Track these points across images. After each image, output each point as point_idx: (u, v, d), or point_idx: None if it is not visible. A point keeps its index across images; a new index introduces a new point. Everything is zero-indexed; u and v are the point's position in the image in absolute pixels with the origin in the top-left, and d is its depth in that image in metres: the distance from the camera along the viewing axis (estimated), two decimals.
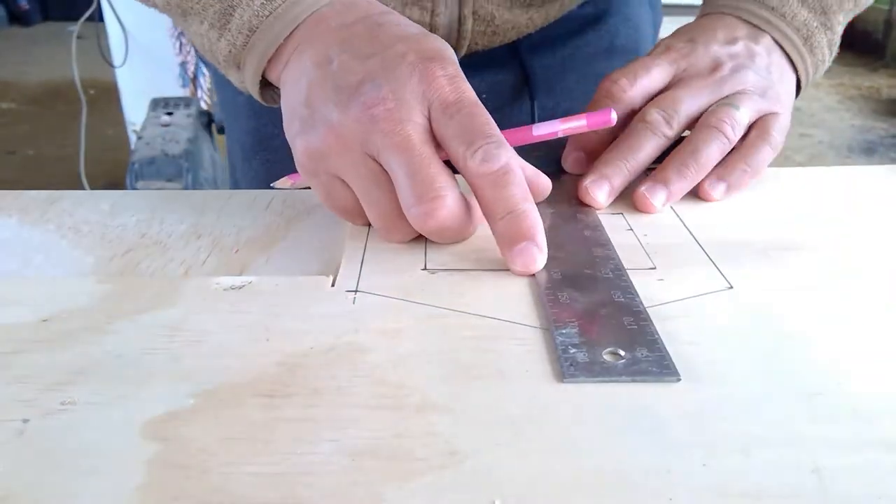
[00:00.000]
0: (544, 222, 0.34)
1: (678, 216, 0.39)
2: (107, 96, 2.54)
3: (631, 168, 0.41)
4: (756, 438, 0.23)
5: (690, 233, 0.37)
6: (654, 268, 0.34)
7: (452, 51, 0.36)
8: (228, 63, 0.40)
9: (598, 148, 0.43)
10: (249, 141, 0.62)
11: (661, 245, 0.36)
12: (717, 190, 0.41)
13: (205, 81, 2.11)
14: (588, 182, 0.40)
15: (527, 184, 0.34)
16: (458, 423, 0.24)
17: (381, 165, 0.34)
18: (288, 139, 0.37)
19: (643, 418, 0.24)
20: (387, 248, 0.36)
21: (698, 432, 0.24)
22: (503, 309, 0.31)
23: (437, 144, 0.34)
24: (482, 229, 0.37)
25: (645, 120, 0.41)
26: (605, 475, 0.22)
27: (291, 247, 0.38)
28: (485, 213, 0.34)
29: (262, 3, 0.38)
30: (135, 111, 2.18)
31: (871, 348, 0.28)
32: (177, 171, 1.58)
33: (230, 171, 0.70)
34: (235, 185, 0.67)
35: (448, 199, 0.33)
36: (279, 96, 0.40)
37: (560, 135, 0.39)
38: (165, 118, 1.75)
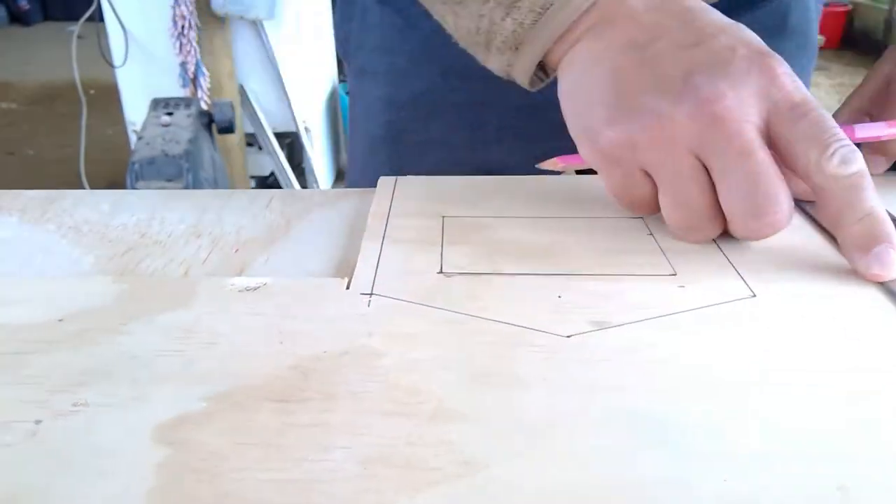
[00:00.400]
0: None
1: None
2: (107, 96, 2.56)
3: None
4: (778, 454, 0.23)
5: (713, 239, 0.37)
6: (675, 274, 0.33)
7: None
8: (506, 44, 0.38)
9: None
10: (380, 133, 0.62)
11: (682, 251, 0.36)
12: None
13: (205, 81, 2.12)
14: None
15: None
16: (474, 431, 0.24)
17: (702, 164, 0.33)
18: (583, 125, 0.36)
19: (663, 429, 0.24)
20: (402, 251, 0.36)
21: (717, 445, 0.23)
22: (521, 315, 0.30)
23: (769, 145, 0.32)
24: (503, 233, 0.37)
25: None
26: (624, 487, 0.21)
27: (291, 246, 0.38)
28: (835, 218, 0.32)
29: None
30: (135, 111, 2.20)
31: (882, 354, 0.27)
32: (177, 171, 1.59)
33: (349, 164, 0.69)
34: (355, 179, 0.66)
35: (786, 208, 0.32)
36: (538, 80, 0.40)
37: (883, 138, 0.38)
38: (165, 118, 1.76)
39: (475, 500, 0.21)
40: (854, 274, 0.33)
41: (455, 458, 0.22)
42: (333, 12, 0.70)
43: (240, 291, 0.32)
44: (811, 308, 0.31)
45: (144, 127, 1.77)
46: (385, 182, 0.44)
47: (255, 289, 0.32)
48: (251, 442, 0.23)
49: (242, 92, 2.31)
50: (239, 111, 2.27)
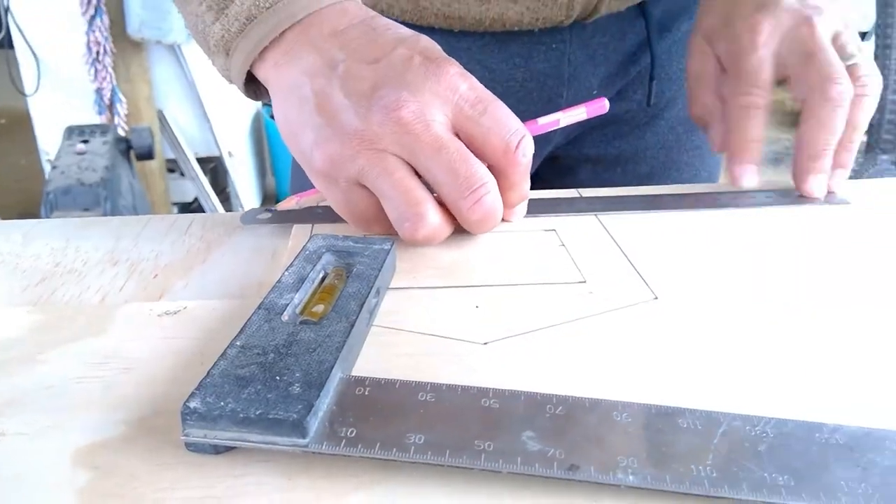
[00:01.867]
0: None
1: (608, 231, 0.41)
2: (19, 125, 2.47)
3: (833, 146, 0.45)
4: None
5: (619, 247, 0.39)
6: (584, 281, 0.35)
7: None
8: (218, 48, 0.40)
9: (760, 153, 0.47)
10: None
11: (591, 260, 0.37)
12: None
13: (122, 108, 2.08)
14: (811, 184, 0.45)
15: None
16: None
17: (411, 167, 0.36)
18: (298, 149, 0.37)
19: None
20: None
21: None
22: (440, 325, 0.31)
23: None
24: (423, 249, 0.38)
25: (830, 98, 0.44)
26: (538, 485, 0.23)
27: (212, 270, 0.38)
28: (506, 191, 0.37)
29: None
30: (49, 140, 2.13)
31: (784, 354, 0.30)
32: (94, 199, 1.55)
33: (293, 179, 0.68)
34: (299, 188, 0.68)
35: (493, 187, 0.36)
36: (262, 93, 0.42)
37: (561, 124, 0.41)
38: (81, 146, 1.71)
39: (396, 500, 0.22)
40: (752, 276, 0.36)
41: (374, 465, 0.23)
42: None
43: (158, 316, 0.32)
44: (708, 306, 0.33)
45: (59, 155, 1.71)
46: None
47: (175, 313, 0.32)
48: (171, 462, 0.23)
49: (162, 117, 2.26)
50: (158, 137, 2.23)
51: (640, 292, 0.34)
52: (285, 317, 0.29)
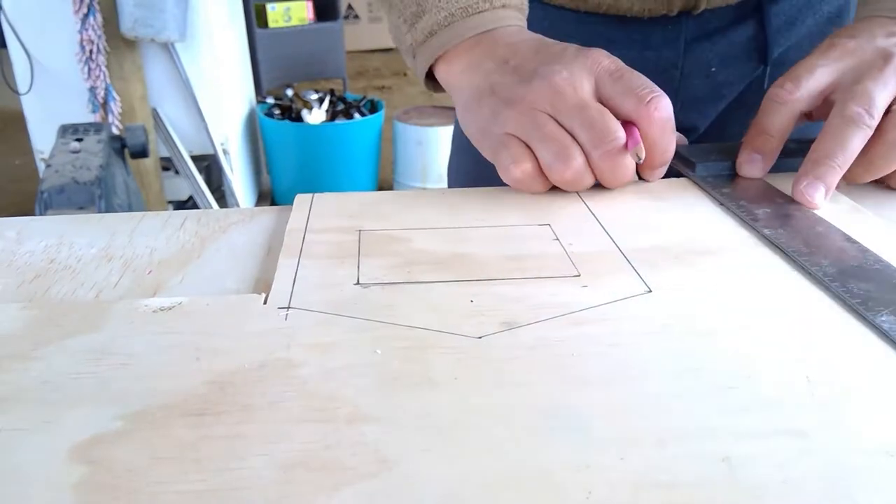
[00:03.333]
0: (773, 223, 0.40)
1: (602, 225, 0.41)
2: (13, 125, 2.46)
3: (842, 165, 0.42)
4: (670, 432, 0.25)
5: (613, 241, 0.39)
6: (579, 275, 0.35)
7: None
8: (408, 52, 0.52)
9: (773, 148, 0.47)
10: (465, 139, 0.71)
11: (585, 253, 0.38)
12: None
13: (115, 106, 2.07)
14: (804, 186, 0.43)
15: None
16: (388, 431, 0.25)
17: (561, 125, 0.43)
18: (477, 130, 0.47)
19: (565, 418, 0.25)
20: (320, 265, 0.37)
21: (617, 428, 0.25)
22: (434, 319, 0.32)
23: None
24: (418, 244, 0.38)
25: (844, 115, 0.43)
26: (528, 474, 0.23)
27: (207, 266, 0.38)
28: (650, 151, 0.43)
29: (445, 17, 0.49)
30: (43, 139, 2.12)
31: (777, 346, 0.30)
32: (88, 198, 1.54)
33: (453, 175, 0.78)
34: (457, 176, 0.77)
35: (622, 137, 0.42)
36: (440, 89, 0.53)
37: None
38: (75, 145, 1.71)
39: (390, 496, 0.22)
40: (740, 265, 0.36)
41: (369, 458, 0.23)
42: None
43: (154, 312, 0.32)
44: (701, 299, 0.33)
45: (53, 154, 1.71)
46: (302, 199, 0.45)
47: (170, 308, 0.32)
48: (167, 456, 0.23)
49: (156, 115, 2.25)
50: (153, 135, 2.22)
51: (634, 285, 0.34)
52: None
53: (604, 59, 0.44)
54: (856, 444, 0.24)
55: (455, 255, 0.38)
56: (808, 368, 0.28)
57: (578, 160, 0.42)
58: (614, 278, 0.35)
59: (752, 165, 0.47)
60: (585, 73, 0.43)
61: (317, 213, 0.43)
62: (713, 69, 0.65)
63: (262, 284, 0.36)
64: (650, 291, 0.34)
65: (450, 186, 0.77)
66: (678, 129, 0.47)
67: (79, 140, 1.74)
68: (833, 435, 0.25)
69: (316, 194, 0.45)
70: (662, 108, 0.42)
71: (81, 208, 1.54)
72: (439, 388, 0.27)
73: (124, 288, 0.35)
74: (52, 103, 2.12)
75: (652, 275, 0.35)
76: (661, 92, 0.43)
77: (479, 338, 0.30)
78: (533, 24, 0.56)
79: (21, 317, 0.32)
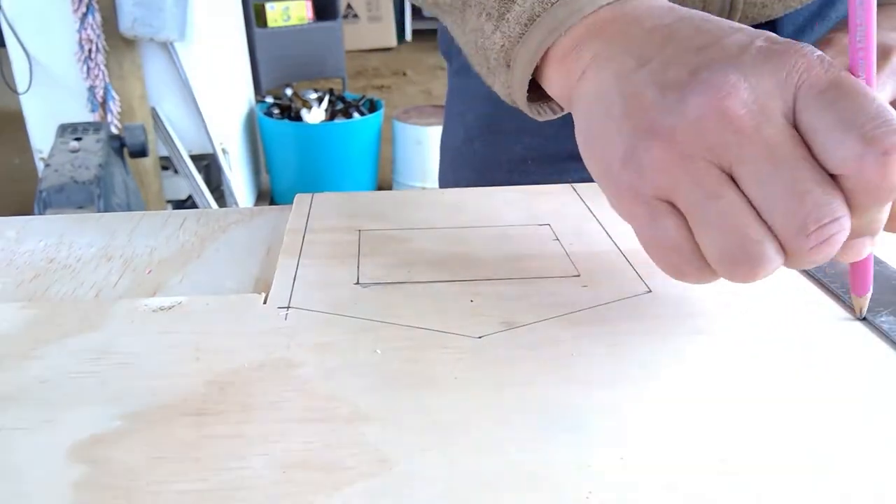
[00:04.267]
0: None
1: (602, 225, 0.41)
2: (12, 124, 2.45)
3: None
4: (670, 432, 0.25)
5: (613, 241, 0.39)
6: (579, 275, 0.35)
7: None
8: (498, 62, 0.34)
9: None
10: (477, 125, 0.64)
11: (585, 253, 0.38)
12: None
13: (115, 105, 2.07)
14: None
15: None
16: (388, 431, 0.25)
17: (731, 178, 0.26)
18: (603, 168, 0.29)
19: (564, 418, 0.25)
20: (320, 265, 0.37)
21: (616, 428, 0.25)
22: (434, 319, 0.32)
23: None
24: (418, 243, 0.38)
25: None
26: (528, 473, 0.23)
27: (207, 265, 0.38)
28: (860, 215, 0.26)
29: None
30: (42, 138, 2.12)
31: (776, 346, 0.30)
32: (87, 197, 1.54)
33: (443, 153, 0.71)
34: (446, 173, 0.70)
35: (846, 223, 0.25)
36: (549, 110, 0.37)
37: None
38: (74, 144, 1.70)
39: (390, 495, 0.22)
40: None
41: (370, 457, 0.23)
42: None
43: (153, 311, 0.32)
44: (699, 299, 0.33)
45: (52, 153, 1.70)
46: (301, 198, 0.45)
47: (170, 308, 0.32)
48: (167, 456, 0.23)
49: (155, 115, 2.25)
50: (152, 134, 2.22)
51: (633, 286, 0.34)
52: None
53: (814, 64, 0.25)
54: (856, 443, 0.24)
55: (455, 254, 0.38)
56: (807, 367, 0.28)
57: (772, 262, 0.25)
58: (614, 278, 0.35)
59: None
60: (779, 88, 0.25)
61: (316, 212, 0.43)
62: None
63: (262, 284, 0.36)
64: (650, 292, 0.34)
65: (441, 171, 0.72)
66: None
67: (78, 139, 1.74)
68: (832, 432, 0.25)
69: (315, 194, 0.45)
70: None
71: (80, 207, 1.53)
72: (439, 388, 0.27)
73: (124, 287, 0.35)
74: (52, 102, 2.11)
75: (652, 275, 0.35)
76: None
77: (480, 338, 0.30)
78: None
79: (21, 316, 0.32)
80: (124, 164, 1.87)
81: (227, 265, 0.38)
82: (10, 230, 0.42)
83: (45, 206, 1.53)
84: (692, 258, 0.27)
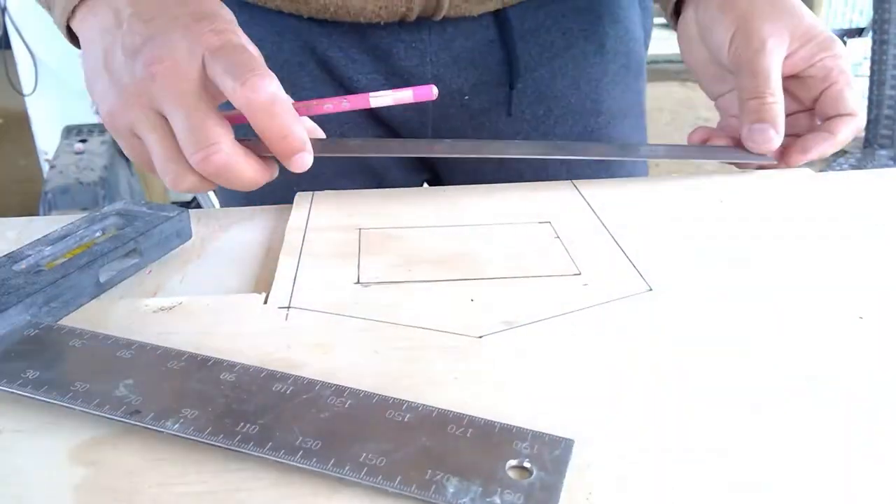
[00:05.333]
0: None
1: (603, 223, 0.41)
2: (17, 126, 2.45)
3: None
4: (671, 432, 0.24)
5: (614, 239, 0.39)
6: (579, 273, 0.35)
7: (228, 11, 0.40)
8: (50, 6, 0.44)
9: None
10: None
11: (586, 252, 0.37)
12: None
13: None
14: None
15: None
16: None
17: (165, 118, 0.37)
18: (95, 102, 0.40)
19: (566, 417, 0.25)
20: (320, 264, 0.37)
21: (617, 429, 0.25)
22: (435, 319, 0.31)
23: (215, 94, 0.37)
24: (418, 242, 0.38)
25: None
26: None
27: (207, 265, 0.38)
28: (264, 139, 0.37)
29: None
30: (47, 140, 2.12)
31: (778, 344, 0.30)
32: (92, 199, 1.54)
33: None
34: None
35: (223, 146, 0.36)
36: None
37: (391, 103, 0.41)
38: (79, 146, 1.71)
39: (390, 497, 0.22)
40: (737, 262, 0.36)
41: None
42: None
43: (154, 312, 0.32)
44: (701, 297, 0.33)
45: (57, 155, 1.71)
46: (302, 197, 0.45)
47: (171, 308, 0.32)
48: (167, 457, 0.23)
49: None
50: None
51: (634, 284, 0.34)
52: (22, 265, 0.32)
53: (210, 37, 0.37)
54: (858, 440, 0.24)
55: (455, 253, 0.38)
56: (808, 365, 0.28)
57: (180, 173, 0.38)
58: (615, 277, 0.35)
59: (769, 136, 0.47)
60: (189, 56, 0.37)
61: (317, 211, 0.43)
62: (466, 97, 0.58)
63: (263, 283, 0.36)
64: (651, 290, 0.34)
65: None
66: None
67: (83, 141, 1.74)
68: (832, 436, 0.24)
69: (316, 192, 0.45)
70: (260, 88, 0.35)
71: (85, 209, 1.54)
72: (439, 388, 0.27)
73: (125, 287, 0.35)
74: (57, 104, 2.12)
75: (653, 273, 0.35)
76: (264, 71, 0.36)
77: (480, 337, 0.30)
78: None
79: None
80: (129, 165, 1.88)
81: (227, 265, 0.38)
82: (11, 231, 0.42)
83: (51, 208, 1.54)
84: (163, 169, 0.38)
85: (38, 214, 1.60)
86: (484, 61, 0.57)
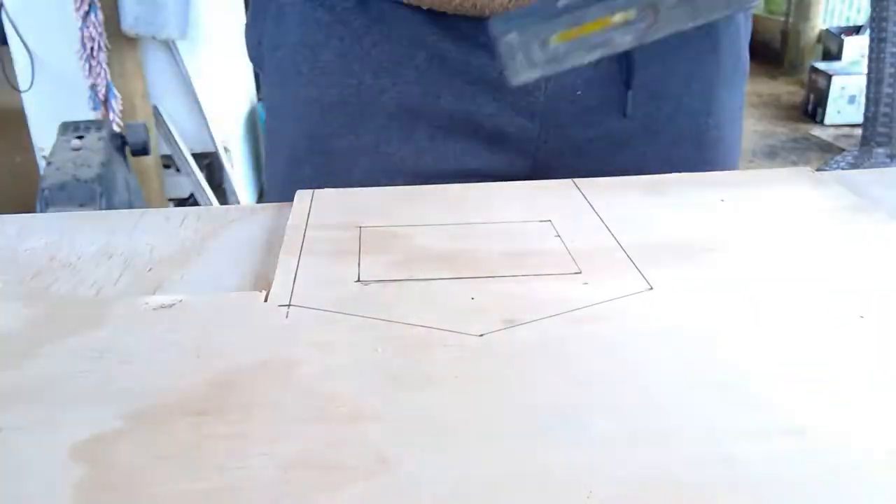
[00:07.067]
0: None
1: (603, 221, 0.41)
2: (14, 122, 2.44)
3: None
4: (671, 431, 0.24)
5: (615, 237, 0.39)
6: (580, 272, 0.35)
7: None
8: None
9: None
10: (304, 143, 0.57)
11: (586, 250, 0.37)
12: None
13: (116, 104, 2.07)
14: None
15: None
16: (388, 430, 0.25)
17: None
18: None
19: (565, 417, 0.25)
20: (320, 262, 0.36)
21: (617, 427, 0.25)
22: (435, 317, 0.31)
23: None
24: (419, 240, 0.38)
25: None
26: (529, 473, 0.23)
27: (207, 263, 0.38)
28: None
29: None
30: (44, 136, 2.11)
31: (778, 344, 0.30)
32: (89, 195, 1.54)
33: (268, 184, 0.65)
34: (275, 199, 0.60)
35: None
36: None
37: None
38: (76, 142, 1.70)
39: (391, 496, 0.22)
40: (740, 263, 0.36)
41: (370, 457, 0.23)
42: (246, 14, 0.64)
43: (154, 310, 0.32)
44: (702, 296, 0.33)
45: (54, 152, 1.70)
46: (302, 195, 0.45)
47: (171, 306, 0.32)
48: (168, 455, 0.23)
49: (157, 113, 2.25)
50: (154, 132, 2.22)
51: (635, 283, 0.34)
52: None
53: None
54: (856, 444, 0.24)
55: (456, 251, 0.38)
56: (808, 367, 0.28)
57: None
58: (615, 275, 0.35)
59: None
60: None
61: (317, 209, 0.43)
62: (579, 92, 0.55)
63: (263, 281, 0.36)
64: (651, 289, 0.34)
65: (268, 197, 0.60)
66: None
67: (80, 137, 1.73)
68: (833, 434, 0.24)
69: (316, 190, 0.45)
70: None
71: (82, 206, 1.53)
72: (440, 387, 0.27)
73: (124, 285, 0.35)
74: (53, 101, 2.11)
75: (653, 272, 0.35)
76: None
77: (480, 335, 0.30)
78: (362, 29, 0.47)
79: (23, 315, 0.32)
80: (126, 162, 1.87)
81: (227, 263, 0.38)
82: (11, 228, 0.42)
83: (47, 205, 1.53)
84: None
85: (34, 211, 1.59)
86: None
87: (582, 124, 0.56)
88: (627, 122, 0.58)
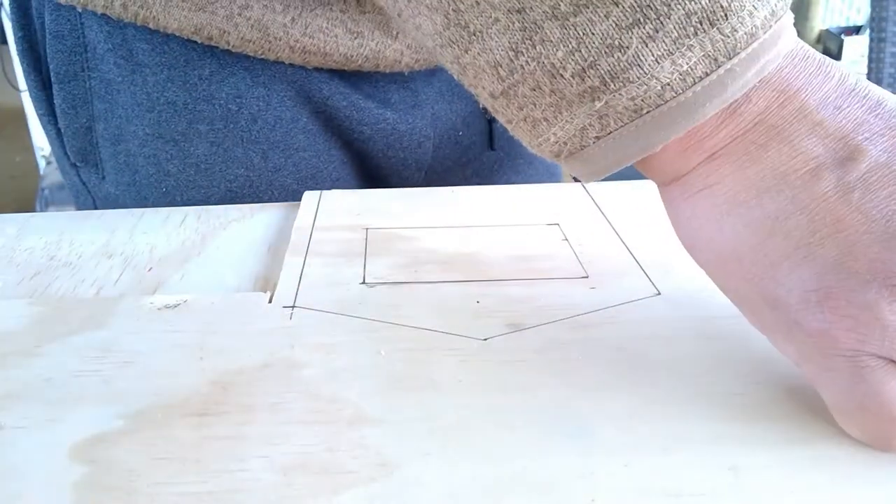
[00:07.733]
0: None
1: (612, 226, 0.40)
2: (14, 122, 2.45)
3: None
4: (676, 439, 0.24)
5: (623, 242, 0.38)
6: (587, 276, 0.35)
7: None
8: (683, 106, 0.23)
9: None
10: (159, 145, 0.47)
11: (594, 255, 0.37)
12: None
13: None
14: None
15: None
16: (389, 434, 0.24)
17: None
18: (769, 297, 0.24)
19: (569, 424, 0.25)
20: (326, 263, 0.36)
21: (622, 434, 0.24)
22: (439, 321, 0.31)
23: None
24: (425, 243, 0.38)
25: None
26: (532, 479, 0.22)
27: (208, 263, 0.37)
28: None
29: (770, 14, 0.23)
30: (44, 136, 2.12)
31: None
32: None
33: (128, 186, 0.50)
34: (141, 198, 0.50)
35: None
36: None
37: None
38: None
39: (390, 499, 0.22)
40: None
41: (371, 461, 0.23)
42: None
43: (158, 309, 0.32)
44: (710, 302, 0.32)
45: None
46: (310, 196, 0.45)
47: (175, 306, 0.32)
48: (167, 457, 0.23)
49: None
50: None
51: (643, 288, 0.34)
52: None
53: None
54: (863, 452, 0.24)
55: (462, 254, 0.37)
56: None
57: None
58: (623, 280, 0.34)
59: None
60: None
61: (324, 210, 0.43)
62: (460, 133, 0.53)
63: (263, 282, 0.35)
64: (659, 294, 0.33)
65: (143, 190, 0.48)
66: None
67: None
68: (838, 444, 0.24)
69: (324, 191, 0.45)
70: None
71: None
72: (442, 391, 0.27)
73: (124, 285, 0.35)
74: None
75: (661, 277, 0.35)
76: None
77: (485, 340, 0.30)
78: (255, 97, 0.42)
79: (27, 313, 0.32)
80: None
81: (227, 263, 0.37)
82: (11, 227, 0.42)
83: (47, 204, 1.54)
84: None
85: (34, 210, 1.60)
86: (466, 92, 0.50)
87: (461, 165, 0.57)
88: (496, 153, 0.58)
